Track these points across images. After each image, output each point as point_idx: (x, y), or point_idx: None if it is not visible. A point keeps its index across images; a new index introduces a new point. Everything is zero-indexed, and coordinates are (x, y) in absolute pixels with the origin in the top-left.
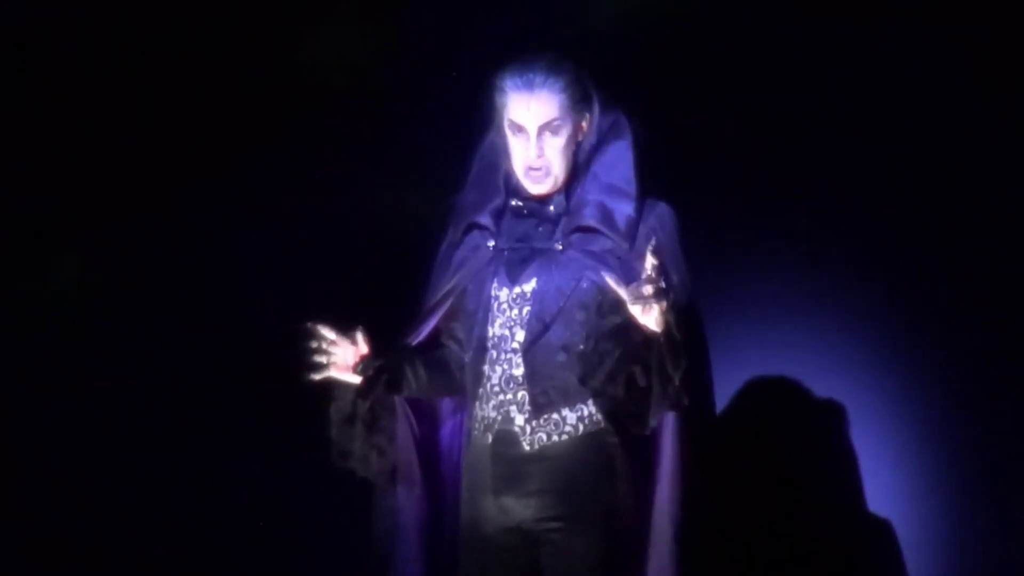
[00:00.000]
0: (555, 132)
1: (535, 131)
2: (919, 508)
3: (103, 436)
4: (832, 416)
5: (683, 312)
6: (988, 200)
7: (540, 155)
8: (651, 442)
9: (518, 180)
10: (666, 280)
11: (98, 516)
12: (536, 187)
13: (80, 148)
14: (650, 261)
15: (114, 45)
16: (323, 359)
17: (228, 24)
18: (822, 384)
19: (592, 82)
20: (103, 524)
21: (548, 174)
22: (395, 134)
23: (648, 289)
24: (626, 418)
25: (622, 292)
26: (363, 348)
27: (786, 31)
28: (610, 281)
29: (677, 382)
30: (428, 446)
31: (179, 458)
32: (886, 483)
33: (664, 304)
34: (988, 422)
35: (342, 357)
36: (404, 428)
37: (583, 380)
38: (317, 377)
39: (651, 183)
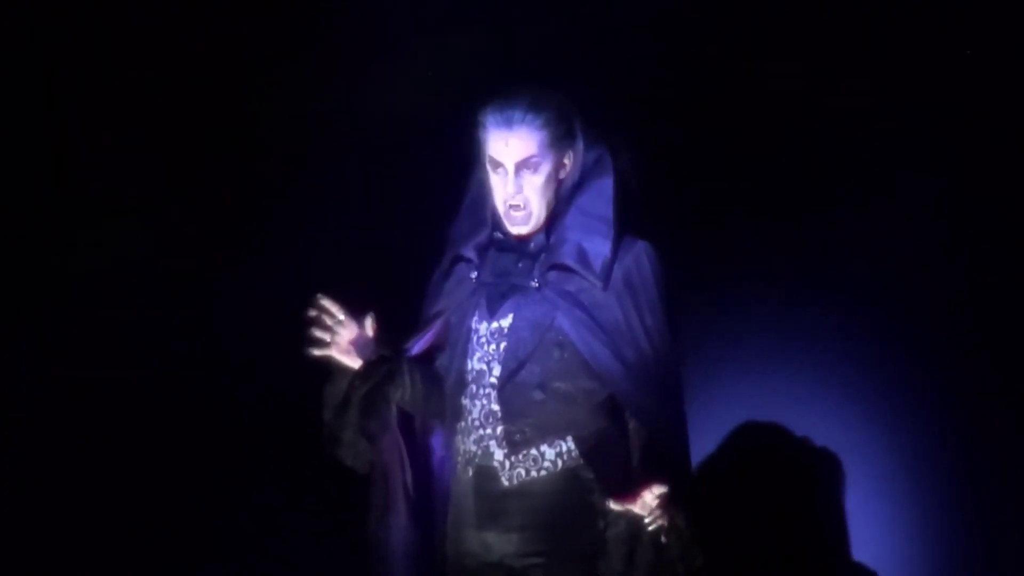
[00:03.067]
0: (534, 169)
1: (513, 168)
2: (909, 555)
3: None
4: (816, 460)
5: (692, 497)
6: (979, 242)
7: (518, 191)
8: (629, 478)
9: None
10: (674, 498)
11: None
12: (516, 228)
13: (81, 148)
14: (655, 494)
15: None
16: (327, 336)
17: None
18: (807, 426)
19: (578, 117)
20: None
21: (527, 214)
22: (398, 148)
23: (657, 516)
24: None
25: (633, 508)
26: (369, 333)
27: (772, 72)
28: (614, 505)
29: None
30: (419, 476)
31: (173, 474)
32: (874, 528)
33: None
34: (976, 468)
35: (346, 338)
36: (395, 458)
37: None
38: (317, 353)
39: (636, 220)
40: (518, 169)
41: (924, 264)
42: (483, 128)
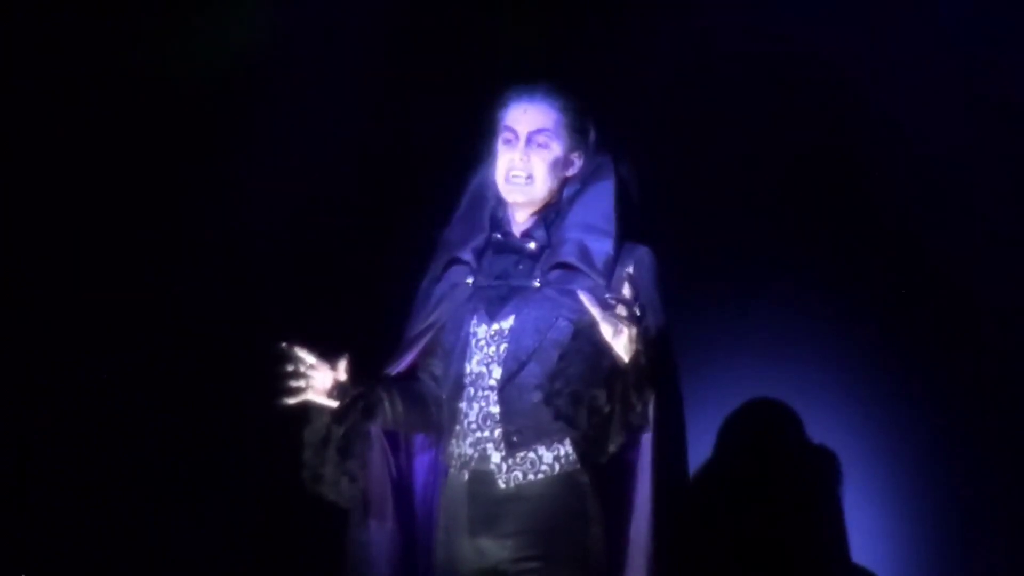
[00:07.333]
0: (543, 145)
1: (525, 135)
2: (906, 554)
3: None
4: (814, 461)
5: (655, 346)
6: (978, 241)
7: (525, 159)
8: (623, 483)
9: (503, 214)
10: (640, 310)
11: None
12: (513, 194)
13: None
14: (626, 287)
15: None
16: (300, 383)
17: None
18: (804, 427)
19: (595, 127)
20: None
21: (528, 180)
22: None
23: (621, 309)
24: (584, 442)
25: (595, 310)
26: (342, 375)
27: (770, 73)
28: (584, 298)
29: (639, 409)
30: (403, 480)
31: (156, 481)
32: (871, 528)
33: (635, 330)
34: (974, 468)
35: (320, 381)
36: (379, 461)
37: (546, 400)
38: (292, 401)
39: (636, 226)
40: (529, 139)
41: (923, 264)
42: (503, 105)
